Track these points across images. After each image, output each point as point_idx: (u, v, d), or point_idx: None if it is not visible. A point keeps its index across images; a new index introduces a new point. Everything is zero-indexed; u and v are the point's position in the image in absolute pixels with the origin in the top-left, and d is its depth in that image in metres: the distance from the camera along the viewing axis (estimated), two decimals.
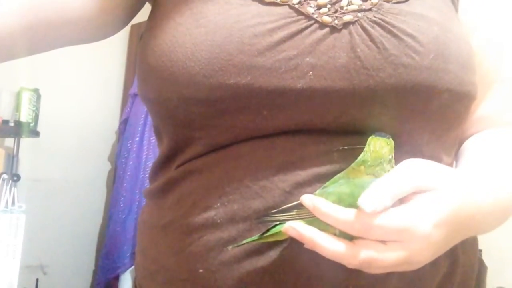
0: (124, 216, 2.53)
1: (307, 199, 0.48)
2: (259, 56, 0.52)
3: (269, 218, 0.50)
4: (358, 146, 0.52)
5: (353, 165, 0.51)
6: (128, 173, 2.58)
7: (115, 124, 2.97)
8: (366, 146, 0.50)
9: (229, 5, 0.56)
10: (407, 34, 0.54)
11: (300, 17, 0.54)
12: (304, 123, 0.54)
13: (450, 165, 0.63)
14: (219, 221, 0.54)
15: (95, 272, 2.82)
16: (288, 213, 0.49)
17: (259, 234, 0.50)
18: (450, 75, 0.55)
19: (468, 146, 0.65)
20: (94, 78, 2.87)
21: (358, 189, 0.47)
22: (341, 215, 0.46)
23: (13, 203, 1.85)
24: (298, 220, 0.49)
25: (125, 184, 2.58)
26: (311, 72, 0.52)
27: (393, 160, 0.50)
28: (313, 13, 0.55)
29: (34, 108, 2.38)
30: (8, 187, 1.87)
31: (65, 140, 2.70)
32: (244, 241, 0.51)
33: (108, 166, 3.00)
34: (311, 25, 0.54)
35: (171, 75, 0.55)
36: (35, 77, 2.44)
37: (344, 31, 0.54)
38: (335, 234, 0.47)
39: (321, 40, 0.53)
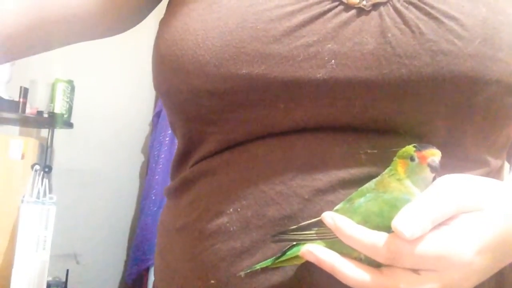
0: (155, 209, 2.54)
1: (329, 218, 0.43)
2: (274, 43, 0.48)
3: (285, 237, 0.45)
4: (393, 149, 0.46)
5: (384, 174, 0.45)
6: (160, 166, 2.59)
7: (149, 116, 2.98)
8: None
9: None
10: (449, 17, 0.47)
11: None
12: (326, 118, 0.49)
13: (500, 168, 0.56)
14: (231, 228, 0.50)
15: (126, 263, 2.86)
16: (307, 231, 0.45)
17: (273, 258, 0.46)
18: (500, 64, 0.48)
19: None
20: (128, 70, 2.89)
21: (389, 208, 0.42)
22: (367, 238, 0.41)
23: (44, 194, 1.87)
24: (318, 241, 0.44)
25: (157, 177, 2.59)
26: (333, 60, 0.47)
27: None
28: None
29: (68, 100, 2.40)
30: (40, 178, 1.89)
31: (98, 131, 2.74)
32: (257, 266, 0.47)
33: (141, 158, 3.02)
34: (335, 6, 0.48)
35: (181, 65, 0.51)
36: (70, 69, 2.47)
37: (374, 13, 0.48)
38: (360, 260, 0.42)
39: (346, 23, 0.48)
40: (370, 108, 0.48)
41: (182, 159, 0.61)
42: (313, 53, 0.47)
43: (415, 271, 0.40)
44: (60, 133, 2.51)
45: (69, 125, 2.42)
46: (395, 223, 0.40)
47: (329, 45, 0.47)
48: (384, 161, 0.46)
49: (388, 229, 0.41)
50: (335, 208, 0.45)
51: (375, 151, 0.48)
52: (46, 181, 1.88)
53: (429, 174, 0.44)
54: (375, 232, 0.41)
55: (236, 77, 0.48)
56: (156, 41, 0.58)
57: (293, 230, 0.45)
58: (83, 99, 2.56)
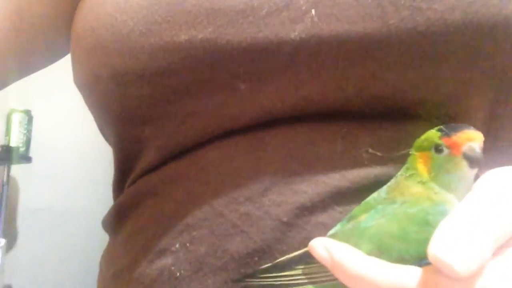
0: None
1: (320, 248, 0.29)
2: None
3: (254, 282, 0.32)
4: (408, 143, 0.33)
5: (399, 176, 0.32)
6: None
7: None
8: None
9: None
10: None
11: None
12: (308, 101, 0.36)
13: None
14: (178, 274, 0.37)
15: None
16: (288, 271, 0.31)
17: None
18: None
19: None
20: None
21: (416, 226, 0.29)
22: (387, 278, 0.26)
23: None
24: (306, 286, 0.30)
25: None
26: (313, 11, 0.35)
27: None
28: None
29: (26, 131, 2.28)
30: None
31: (62, 165, 2.59)
32: None
33: None
34: None
35: (97, 40, 0.39)
36: (26, 98, 2.33)
37: None
38: None
39: None
40: (372, 80, 0.35)
41: (119, 179, 0.48)
42: (282, 2, 0.34)
43: None
44: (18, 169, 2.35)
45: (27, 159, 2.27)
46: (436, 251, 0.25)
47: None
48: (396, 160, 0.34)
49: (417, 260, 0.28)
50: (329, 233, 0.32)
51: (379, 153, 0.35)
52: None
53: (467, 170, 0.30)
54: (399, 267, 0.27)
55: (173, 48, 0.35)
56: (73, 19, 0.46)
57: (266, 270, 0.32)
58: (42, 130, 2.42)
